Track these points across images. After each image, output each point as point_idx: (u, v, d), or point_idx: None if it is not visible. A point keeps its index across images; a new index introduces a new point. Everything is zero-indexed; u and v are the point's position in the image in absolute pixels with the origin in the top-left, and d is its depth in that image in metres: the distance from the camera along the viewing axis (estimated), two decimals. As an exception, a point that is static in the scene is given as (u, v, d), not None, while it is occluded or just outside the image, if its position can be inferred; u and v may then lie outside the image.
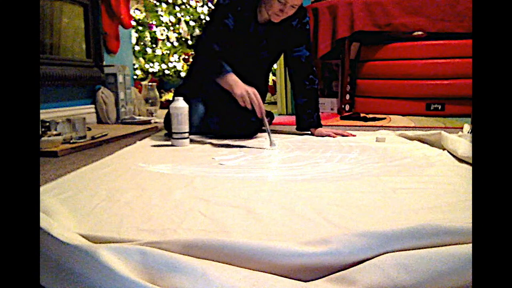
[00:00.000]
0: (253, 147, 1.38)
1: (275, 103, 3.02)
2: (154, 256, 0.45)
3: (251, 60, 1.65)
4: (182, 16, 3.78)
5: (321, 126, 1.68)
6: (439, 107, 2.56)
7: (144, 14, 3.85)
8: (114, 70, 2.29)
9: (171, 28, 3.82)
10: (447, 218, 0.67)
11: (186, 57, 3.82)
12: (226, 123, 1.56)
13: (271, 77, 3.18)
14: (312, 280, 0.46)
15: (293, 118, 1.82)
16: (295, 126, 1.75)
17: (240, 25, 1.54)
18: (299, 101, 1.69)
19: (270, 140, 1.38)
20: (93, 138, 1.52)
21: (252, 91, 1.38)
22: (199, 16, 3.79)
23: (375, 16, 2.61)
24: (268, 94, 3.19)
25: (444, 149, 1.26)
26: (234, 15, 1.52)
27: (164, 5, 3.81)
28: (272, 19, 1.52)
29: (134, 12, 3.73)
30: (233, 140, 1.49)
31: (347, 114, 2.66)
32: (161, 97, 3.22)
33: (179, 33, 3.81)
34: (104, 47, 2.33)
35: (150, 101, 2.53)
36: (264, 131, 1.68)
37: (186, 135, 1.41)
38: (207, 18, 3.75)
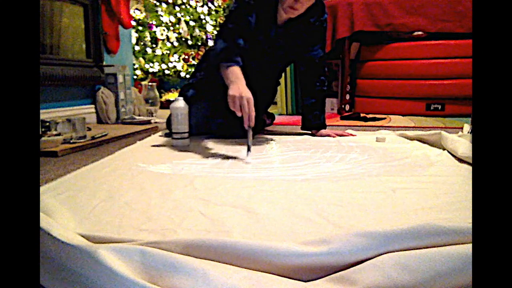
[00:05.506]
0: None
1: (275, 103, 3.02)
2: (154, 256, 0.45)
3: (266, 64, 1.61)
4: (182, 16, 3.78)
5: (325, 127, 1.68)
6: (439, 107, 2.56)
7: (144, 14, 3.85)
8: (114, 70, 2.29)
9: (171, 28, 3.82)
10: (447, 218, 0.67)
11: (186, 57, 3.82)
12: (229, 124, 1.55)
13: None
14: (312, 280, 0.46)
15: (294, 118, 1.82)
16: (295, 126, 1.74)
17: (261, 28, 1.49)
18: (307, 101, 1.65)
19: (249, 149, 1.19)
20: (93, 138, 1.52)
21: (248, 97, 1.18)
22: (199, 16, 3.79)
23: (375, 16, 2.61)
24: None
25: (444, 149, 1.26)
26: (257, 16, 1.46)
27: (164, 5, 3.82)
28: (287, 14, 1.45)
29: (134, 12, 3.73)
30: (229, 140, 1.49)
31: (347, 114, 2.66)
32: (161, 97, 3.22)
33: (179, 33, 3.81)
34: (104, 47, 2.33)
35: (150, 101, 2.53)
36: (262, 133, 1.69)
37: (186, 135, 1.41)
38: (207, 18, 3.77)
